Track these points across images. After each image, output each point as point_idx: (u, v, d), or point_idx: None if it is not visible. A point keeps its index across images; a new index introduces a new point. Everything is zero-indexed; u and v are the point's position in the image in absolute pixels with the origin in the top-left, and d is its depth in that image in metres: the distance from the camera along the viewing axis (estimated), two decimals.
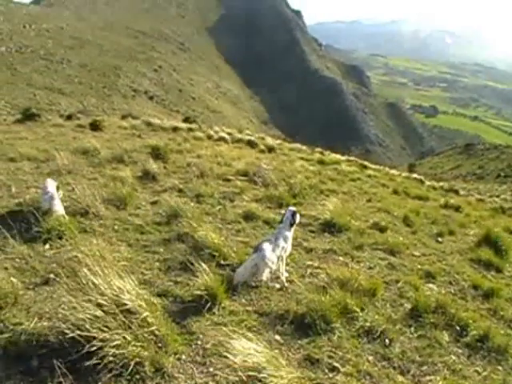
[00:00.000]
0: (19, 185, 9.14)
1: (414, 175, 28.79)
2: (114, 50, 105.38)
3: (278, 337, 4.82)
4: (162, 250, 6.55)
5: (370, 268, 7.39)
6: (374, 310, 5.75)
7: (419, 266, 7.88)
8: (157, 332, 4.19)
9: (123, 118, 29.74)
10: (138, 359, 3.84)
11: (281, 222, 6.52)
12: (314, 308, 5.15)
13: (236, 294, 5.56)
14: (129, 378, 3.76)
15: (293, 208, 6.70)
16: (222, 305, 5.18)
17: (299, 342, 4.80)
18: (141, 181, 10.58)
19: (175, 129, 23.28)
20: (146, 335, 4.07)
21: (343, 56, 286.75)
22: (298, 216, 6.55)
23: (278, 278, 6.09)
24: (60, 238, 6.39)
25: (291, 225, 6.42)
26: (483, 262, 8.84)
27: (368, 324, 5.30)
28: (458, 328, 5.73)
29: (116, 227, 7.25)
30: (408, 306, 6.08)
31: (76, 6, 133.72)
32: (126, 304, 4.15)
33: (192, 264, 5.61)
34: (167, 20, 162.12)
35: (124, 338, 3.85)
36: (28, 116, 21.82)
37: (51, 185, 7.76)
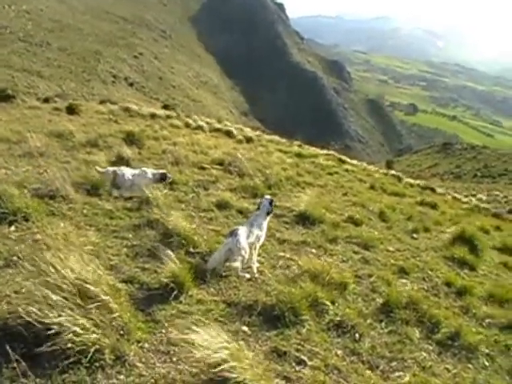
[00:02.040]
0: None
1: (392, 172, 28.87)
2: (95, 34, 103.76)
3: (245, 328, 4.69)
4: (130, 235, 6.38)
5: (343, 261, 7.32)
6: (344, 303, 5.65)
7: (393, 262, 7.85)
8: (119, 319, 4.04)
9: (101, 103, 29.33)
10: (97, 346, 3.68)
11: (257, 209, 6.44)
12: (283, 300, 5.02)
13: (204, 283, 5.41)
14: (87, 365, 3.59)
15: (269, 196, 6.65)
16: (190, 293, 5.04)
17: (267, 333, 4.68)
18: (114, 165, 10.30)
19: (153, 116, 23.02)
20: (107, 322, 3.91)
21: (325, 51, 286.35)
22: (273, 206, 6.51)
23: (249, 267, 5.97)
24: (26, 221, 6.16)
25: (268, 213, 6.37)
26: (457, 260, 8.84)
27: (338, 318, 5.20)
28: (429, 325, 5.67)
29: (85, 211, 7.05)
30: (380, 300, 6.01)
31: None
32: (88, 289, 3.98)
33: (160, 251, 5.46)
34: (149, 7, 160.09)
35: (83, 324, 3.68)
36: (3, 97, 21.34)
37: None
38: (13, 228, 5.96)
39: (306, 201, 9.67)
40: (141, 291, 4.96)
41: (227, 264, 5.73)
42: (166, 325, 4.41)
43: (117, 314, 4.01)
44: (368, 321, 5.42)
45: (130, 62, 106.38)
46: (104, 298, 4.00)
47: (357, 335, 5.02)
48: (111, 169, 8.54)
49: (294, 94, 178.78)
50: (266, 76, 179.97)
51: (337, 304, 5.49)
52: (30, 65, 73.15)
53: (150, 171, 8.73)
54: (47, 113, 18.58)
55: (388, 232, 9.98)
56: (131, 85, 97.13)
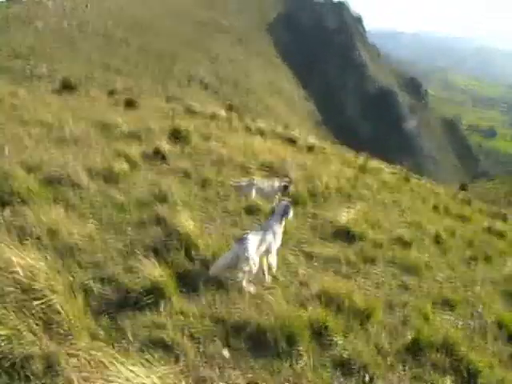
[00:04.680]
0: (16, 148, 8.49)
1: (461, 194, 27.19)
2: (172, 35, 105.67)
3: (225, 351, 3.89)
4: (132, 231, 5.75)
5: (377, 285, 6.35)
6: (363, 336, 4.70)
7: (438, 292, 6.79)
8: (65, 324, 3.34)
9: (167, 100, 29.37)
10: (26, 352, 3.07)
11: (272, 213, 5.88)
12: (282, 324, 4.17)
13: (196, 293, 4.67)
14: (13, 373, 3.00)
15: (286, 201, 6.06)
16: (173, 303, 4.33)
17: (251, 361, 3.85)
18: (149, 159, 9.83)
19: (213, 116, 22.50)
20: (49, 326, 3.25)
21: (402, 66, 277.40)
22: (291, 210, 5.90)
23: (259, 279, 5.25)
24: (24, 205, 5.63)
25: (282, 218, 5.73)
26: None
27: (346, 354, 4.25)
28: (465, 373, 4.61)
29: (94, 201, 6.48)
30: (410, 336, 5.00)
31: None
32: (33, 287, 3.32)
33: (157, 251, 4.79)
34: (226, 12, 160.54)
35: (15, 325, 3.05)
36: (66, 86, 21.58)
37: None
38: (8, 211, 5.46)
39: (351, 215, 8.77)
40: (117, 294, 4.31)
41: (230, 273, 5.04)
42: (130, 336, 3.69)
43: (62, 317, 3.33)
44: (388, 360, 4.46)
45: (206, 65, 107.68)
46: (51, 298, 3.32)
47: (367, 377, 4.07)
48: (244, 180, 8.81)
49: (367, 108, 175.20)
50: (340, 88, 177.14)
51: (352, 336, 4.57)
52: (109, 61, 75.47)
53: (277, 182, 9.11)
54: (106, 104, 18.51)
55: (440, 258, 8.89)
56: (206, 87, 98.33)
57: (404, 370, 4.41)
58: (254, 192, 8.49)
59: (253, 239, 5.02)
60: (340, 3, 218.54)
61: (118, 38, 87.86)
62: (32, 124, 11.01)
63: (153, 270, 4.35)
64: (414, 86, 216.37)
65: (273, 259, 5.54)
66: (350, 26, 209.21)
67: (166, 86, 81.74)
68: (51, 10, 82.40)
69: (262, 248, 5.15)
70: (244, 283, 4.98)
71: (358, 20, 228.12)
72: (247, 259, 4.84)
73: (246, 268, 4.89)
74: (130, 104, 19.11)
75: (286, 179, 9.50)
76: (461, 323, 5.94)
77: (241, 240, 5.00)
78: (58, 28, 77.30)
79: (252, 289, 5.01)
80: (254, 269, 4.99)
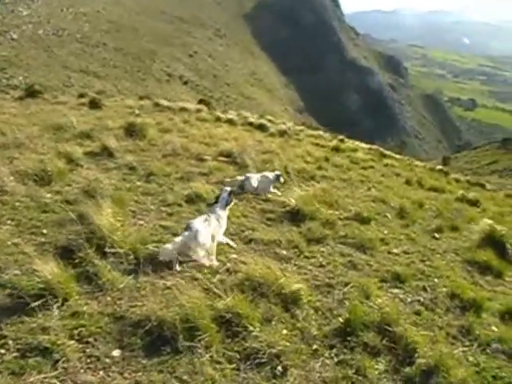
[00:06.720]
0: None
1: (439, 167, 27.13)
2: (150, 34, 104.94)
3: (117, 352, 3.62)
4: (48, 232, 5.49)
5: (321, 266, 6.07)
6: (287, 322, 4.43)
7: (389, 267, 6.46)
8: None
9: (141, 98, 29.09)
10: None
11: (215, 202, 6.19)
12: (184, 316, 3.90)
13: (102, 291, 4.40)
14: None
15: (229, 188, 6.34)
16: (69, 303, 4.08)
17: (144, 361, 3.57)
18: (94, 157, 9.53)
19: (182, 109, 22.18)
20: None
21: (381, 46, 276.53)
22: (233, 197, 6.33)
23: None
24: None
25: (227, 205, 6.17)
26: (479, 265, 7.32)
27: (257, 344, 3.91)
28: (402, 353, 4.27)
29: (17, 204, 6.22)
30: (341, 318, 4.70)
31: None
32: None
33: (69, 250, 4.52)
34: (203, 6, 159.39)
35: None
36: (31, 93, 21.33)
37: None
38: None
39: (305, 195, 8.47)
40: (8, 298, 4.07)
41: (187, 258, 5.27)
42: (11, 343, 3.44)
43: None
44: (313, 346, 4.17)
45: (185, 60, 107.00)
46: None
47: (279, 368, 3.75)
48: (239, 177, 9.17)
49: (349, 90, 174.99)
50: (320, 73, 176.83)
51: (273, 324, 4.29)
52: (87, 65, 74.84)
53: (270, 174, 9.57)
54: (69, 108, 18.14)
55: (401, 231, 8.57)
56: (186, 83, 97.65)
57: (330, 356, 4.12)
58: (252, 185, 8.97)
59: (200, 224, 5.36)
60: None
61: (95, 41, 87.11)
62: None
63: (51, 271, 4.10)
64: (394, 65, 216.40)
65: (214, 245, 5.61)
66: (327, 9, 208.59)
67: (144, 85, 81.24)
68: (26, 18, 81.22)
69: (208, 232, 5.40)
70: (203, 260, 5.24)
71: (335, 2, 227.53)
72: (199, 243, 5.17)
73: (198, 250, 5.22)
74: (94, 105, 18.80)
75: (277, 172, 9.85)
76: (410, 299, 5.66)
77: (188, 227, 5.29)
78: (33, 36, 76.38)
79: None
80: (202, 253, 5.28)
